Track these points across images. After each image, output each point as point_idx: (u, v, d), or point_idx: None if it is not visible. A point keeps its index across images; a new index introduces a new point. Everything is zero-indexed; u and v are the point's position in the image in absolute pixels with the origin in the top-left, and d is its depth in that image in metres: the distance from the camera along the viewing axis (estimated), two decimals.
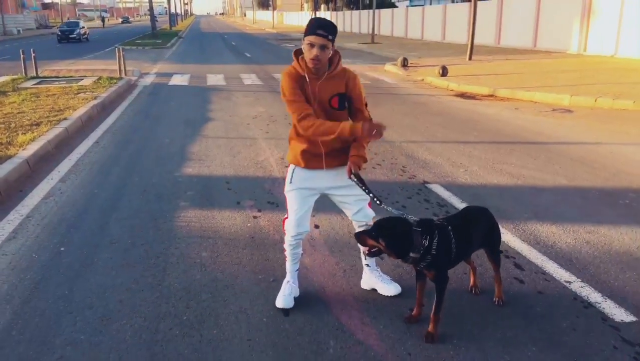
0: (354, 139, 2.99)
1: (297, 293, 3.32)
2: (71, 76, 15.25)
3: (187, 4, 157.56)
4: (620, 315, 3.18)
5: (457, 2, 41.45)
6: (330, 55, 2.88)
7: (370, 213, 3.22)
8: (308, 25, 2.87)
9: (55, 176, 6.03)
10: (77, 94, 11.50)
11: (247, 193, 5.37)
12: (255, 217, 4.75)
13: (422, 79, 15.49)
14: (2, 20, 50.05)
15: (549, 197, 5.32)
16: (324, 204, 3.63)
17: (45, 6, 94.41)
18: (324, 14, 64.84)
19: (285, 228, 3.20)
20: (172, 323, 3.10)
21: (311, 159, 3.07)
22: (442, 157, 6.79)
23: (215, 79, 15.70)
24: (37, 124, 8.13)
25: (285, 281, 3.35)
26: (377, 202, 2.97)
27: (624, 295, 3.40)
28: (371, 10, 34.73)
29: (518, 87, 12.66)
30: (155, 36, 41.63)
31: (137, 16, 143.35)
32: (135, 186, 5.72)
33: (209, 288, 3.50)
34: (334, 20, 57.93)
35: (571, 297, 3.40)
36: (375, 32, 39.57)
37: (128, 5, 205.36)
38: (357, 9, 56.35)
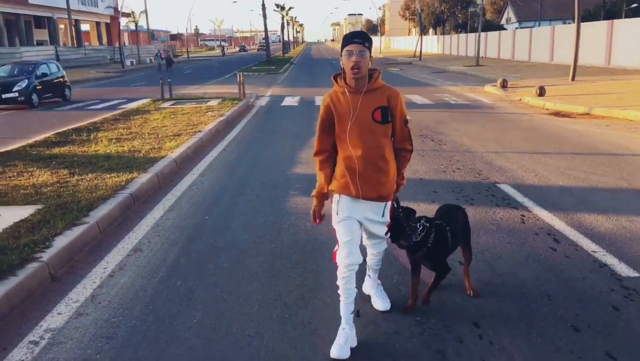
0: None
1: (354, 342, 3.13)
2: (200, 98, 17.60)
3: (299, 32, 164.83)
4: (627, 272, 4.04)
5: (568, 22, 40.58)
6: (369, 65, 2.94)
7: (384, 246, 3.42)
8: (343, 40, 2.97)
9: (195, 172, 7.71)
10: (206, 112, 13.54)
11: None
12: None
13: (520, 99, 16.03)
14: (138, 51, 56.16)
15: (604, 195, 6.07)
16: None
17: (173, 37, 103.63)
18: (431, 38, 65.56)
19: (337, 260, 3.13)
20: (285, 261, 4.42)
21: (361, 186, 3.05)
22: (517, 165, 7.65)
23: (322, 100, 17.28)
24: (178, 135, 10.03)
25: (340, 328, 3.13)
26: (401, 213, 3.34)
27: (638, 261, 4.22)
28: (480, 33, 35.15)
29: (615, 106, 12.93)
30: (270, 63, 44.87)
31: (252, 45, 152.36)
32: (256, 180, 7.22)
33: (311, 244, 4.79)
34: (441, 45, 58.51)
35: (591, 260, 4.29)
36: (482, 54, 39.82)
37: (244, 34, 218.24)
38: (465, 32, 56.54)
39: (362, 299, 3.62)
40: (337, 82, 3.06)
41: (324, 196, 3.19)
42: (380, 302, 3.56)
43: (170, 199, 6.30)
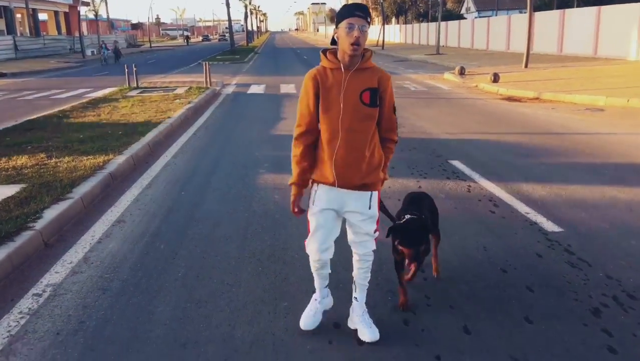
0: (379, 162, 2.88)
1: (330, 304, 3.27)
2: (166, 87, 17.83)
3: (262, 21, 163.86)
4: (553, 228, 4.71)
5: (524, 11, 41.88)
6: (366, 41, 2.67)
7: (372, 246, 3.02)
8: (343, 11, 2.67)
9: (168, 154, 8.12)
10: (174, 100, 13.85)
11: None
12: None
13: (476, 86, 16.82)
14: (98, 41, 55.21)
15: (543, 168, 6.77)
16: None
17: (134, 27, 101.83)
18: (394, 27, 66.43)
19: (307, 250, 3.00)
20: (257, 227, 4.94)
21: (340, 173, 2.79)
22: (469, 144, 8.32)
23: (287, 87, 17.75)
24: (148, 121, 10.36)
25: (313, 298, 3.21)
26: (394, 222, 3.32)
27: (565, 220, 4.89)
28: (439, 22, 36.04)
29: (562, 91, 13.80)
30: (234, 52, 44.90)
31: (215, 34, 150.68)
32: (227, 160, 7.69)
33: (280, 212, 5.31)
34: (403, 34, 59.40)
35: (524, 220, 4.95)
36: (443, 43, 40.82)
37: (207, 24, 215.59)
38: (427, 21, 57.57)
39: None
40: (326, 57, 2.79)
41: (304, 184, 2.90)
42: (367, 331, 3.06)
43: (146, 178, 6.72)
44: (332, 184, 2.82)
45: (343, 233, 3.06)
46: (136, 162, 7.42)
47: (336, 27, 2.72)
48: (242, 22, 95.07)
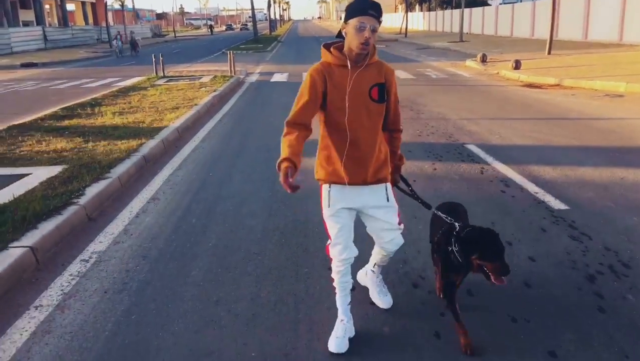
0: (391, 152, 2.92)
1: (352, 333, 2.97)
2: (192, 75, 18.31)
3: (285, 9, 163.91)
4: (559, 206, 4.98)
5: None
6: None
7: (401, 241, 2.99)
8: (353, 6, 2.59)
9: (196, 139, 8.54)
10: (200, 88, 14.29)
11: None
12: None
13: (497, 73, 16.90)
14: (125, 31, 56.16)
15: (555, 151, 7.00)
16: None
17: (159, 16, 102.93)
18: (417, 14, 65.99)
19: (330, 254, 2.90)
20: (280, 205, 5.31)
21: (352, 171, 2.78)
22: (485, 129, 8.55)
23: None
24: (177, 108, 10.81)
25: (338, 320, 2.98)
26: (426, 208, 3.04)
27: (572, 199, 5.16)
28: (463, 9, 35.83)
29: (583, 77, 13.84)
30: (257, 41, 45.29)
31: (238, 23, 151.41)
32: (251, 145, 8.07)
33: (301, 192, 5.62)
34: (426, 21, 59.01)
35: (532, 199, 5.23)
36: (466, 30, 40.58)
37: (230, 13, 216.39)
38: (451, 8, 57.09)
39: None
40: (331, 53, 2.71)
41: (295, 164, 2.65)
42: (381, 300, 3.26)
43: (176, 161, 7.15)
44: (345, 183, 2.78)
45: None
46: (166, 146, 7.86)
47: (345, 21, 2.61)
48: (265, 11, 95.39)
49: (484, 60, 19.67)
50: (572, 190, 5.43)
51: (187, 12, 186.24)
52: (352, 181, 2.78)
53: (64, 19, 56.07)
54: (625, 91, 11.99)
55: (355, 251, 2.88)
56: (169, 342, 3.03)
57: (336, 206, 2.82)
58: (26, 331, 3.18)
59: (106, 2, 51.79)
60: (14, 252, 3.91)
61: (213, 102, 12.20)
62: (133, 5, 76.55)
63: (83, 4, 64.16)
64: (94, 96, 13.48)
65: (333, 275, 2.94)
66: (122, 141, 7.65)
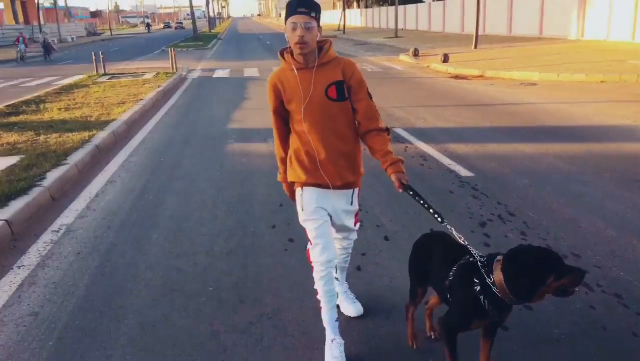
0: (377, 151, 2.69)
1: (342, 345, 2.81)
2: (134, 73, 18.51)
3: (224, 7, 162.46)
4: (466, 173, 5.89)
5: None
6: (317, 37, 2.55)
7: (354, 236, 3.06)
8: (287, 8, 2.55)
9: (144, 130, 9.04)
10: (144, 84, 14.63)
11: (271, 135, 8.19)
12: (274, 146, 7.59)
13: (428, 66, 18.04)
14: (58, 29, 54.63)
15: (470, 132, 7.97)
16: None
17: (93, 14, 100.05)
18: (355, 11, 67.39)
19: (311, 258, 2.79)
20: (227, 182, 5.97)
21: (320, 174, 2.71)
22: (412, 115, 9.47)
23: (251, 71, 18.65)
24: (123, 103, 11.21)
25: (328, 340, 2.79)
26: (439, 219, 2.62)
27: (477, 168, 6.07)
28: (397, 6, 37.18)
29: (504, 68, 15.11)
30: (197, 38, 45.21)
31: (175, 20, 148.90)
32: (198, 134, 8.66)
33: (247, 172, 6.34)
34: (364, 18, 60.41)
35: (445, 169, 6.11)
36: (402, 26, 42.09)
37: (167, 11, 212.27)
38: (388, 5, 58.71)
39: None
40: (283, 58, 2.66)
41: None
42: (351, 307, 3.18)
43: (128, 150, 7.66)
44: (314, 185, 2.74)
45: None
46: (117, 137, 8.33)
47: (285, 22, 2.58)
48: (204, 9, 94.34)
49: (416, 54, 20.84)
50: (479, 161, 6.36)
51: (123, 10, 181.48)
52: (320, 183, 2.72)
53: None
54: (538, 80, 13.28)
55: (335, 253, 2.79)
56: (140, 285, 3.66)
57: (310, 207, 2.74)
58: (14, 283, 3.73)
59: (38, 0, 50.10)
60: None
61: (158, 97, 12.63)
62: (65, 3, 74.27)
63: (12, 1, 61.80)
64: (37, 93, 13.59)
65: (316, 285, 2.79)
66: (73, 133, 8.07)
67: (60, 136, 7.92)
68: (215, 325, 3.13)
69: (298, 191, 2.81)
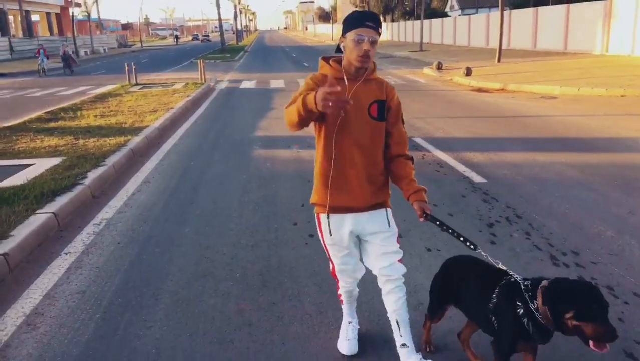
0: (400, 179, 2.64)
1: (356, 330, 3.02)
2: (164, 83, 19.22)
3: (251, 20, 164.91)
4: (479, 180, 6.19)
5: (505, 9, 43.47)
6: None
7: (403, 268, 2.71)
8: (350, 19, 2.46)
9: (175, 137, 9.54)
10: (174, 94, 15.24)
11: (295, 142, 8.60)
12: (298, 152, 7.97)
13: (451, 79, 18.33)
14: (91, 41, 56.38)
15: (487, 142, 8.26)
16: None
17: (124, 27, 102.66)
18: (382, 25, 67.93)
19: (337, 276, 2.83)
20: (253, 184, 6.37)
21: (350, 196, 2.59)
22: (432, 125, 9.79)
23: (277, 83, 19.18)
24: (155, 111, 11.76)
25: (345, 322, 3.02)
26: (471, 247, 2.54)
27: (490, 175, 6.37)
28: (422, 21, 37.57)
29: (526, 82, 15.32)
30: (225, 51, 46.22)
31: (204, 32, 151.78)
32: (225, 140, 9.12)
33: (270, 175, 6.74)
34: (390, 31, 60.87)
35: (460, 176, 6.42)
36: (427, 40, 42.40)
37: (196, 23, 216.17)
38: (413, 19, 59.15)
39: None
40: (330, 65, 2.57)
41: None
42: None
43: (160, 154, 8.14)
44: (342, 211, 2.61)
45: None
46: (150, 142, 8.84)
47: (343, 34, 2.48)
48: (232, 21, 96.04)
49: (439, 67, 21.14)
50: (492, 169, 6.66)
51: (152, 22, 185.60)
52: (349, 204, 2.60)
53: (29, 29, 55.89)
54: (559, 94, 13.47)
55: (362, 271, 2.80)
56: (174, 270, 4.07)
57: (337, 233, 2.63)
58: (62, 267, 4.16)
59: (72, 12, 51.82)
60: (40, 217, 4.87)
61: (187, 106, 13.18)
62: (98, 16, 76.51)
63: (48, 14, 63.96)
64: (73, 102, 14.29)
65: (340, 291, 2.93)
66: (110, 138, 8.60)
67: (97, 141, 8.45)
68: (241, 305, 3.51)
69: (323, 216, 2.65)
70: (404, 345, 2.69)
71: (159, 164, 7.51)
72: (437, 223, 2.57)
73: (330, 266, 2.82)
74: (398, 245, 2.72)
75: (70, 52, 30.02)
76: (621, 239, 4.36)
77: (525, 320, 2.20)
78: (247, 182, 6.47)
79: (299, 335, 3.14)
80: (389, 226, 2.70)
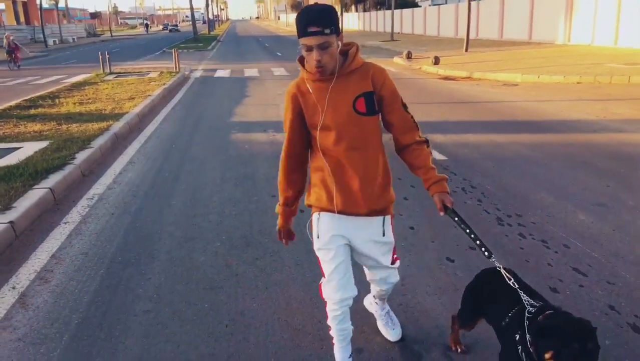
0: (417, 166, 2.42)
1: None
2: (139, 72, 19.40)
3: (222, 9, 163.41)
4: (441, 157, 6.78)
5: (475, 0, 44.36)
6: (339, 47, 2.22)
7: (395, 279, 2.64)
8: (297, 23, 2.15)
9: (155, 122, 9.93)
10: (150, 82, 15.52)
11: (270, 127, 9.08)
12: (274, 135, 8.45)
13: (420, 68, 18.96)
14: (60, 30, 55.53)
15: (451, 125, 8.88)
16: None
17: (93, 16, 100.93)
18: (353, 15, 68.44)
19: (324, 295, 2.50)
20: (233, 163, 6.85)
21: (344, 199, 2.37)
22: None
23: (250, 72, 19.55)
24: (133, 98, 12.09)
25: None
26: (486, 253, 2.28)
27: (451, 153, 6.97)
28: (394, 10, 38.18)
29: (490, 70, 16.04)
30: (197, 40, 46.14)
31: (174, 22, 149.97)
32: (204, 126, 9.55)
33: (249, 155, 7.22)
34: (362, 21, 61.40)
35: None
36: (398, 30, 43.09)
37: (167, 12, 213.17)
38: (385, 9, 59.76)
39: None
40: (304, 67, 2.29)
41: (291, 213, 2.58)
42: (389, 332, 2.90)
43: (142, 138, 8.54)
44: (337, 211, 2.39)
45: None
46: (131, 127, 9.22)
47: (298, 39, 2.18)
48: (203, 11, 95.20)
49: (409, 57, 21.78)
50: (453, 148, 7.26)
51: (122, 11, 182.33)
52: (343, 210, 2.38)
53: None
54: (520, 81, 14.20)
55: (353, 291, 2.45)
56: (166, 235, 4.55)
57: (326, 235, 2.40)
58: (63, 234, 4.61)
59: (40, 1, 50.88)
60: (38, 192, 5.29)
61: (164, 94, 13.51)
62: (66, 4, 75.18)
63: (14, 3, 62.64)
64: (50, 90, 14.46)
65: (329, 321, 2.52)
66: (92, 124, 8.95)
67: (80, 126, 8.80)
68: (228, 260, 4.02)
69: (315, 215, 2.47)
70: (376, 302, 2.91)
71: (142, 147, 7.92)
72: (456, 219, 2.30)
73: (321, 279, 2.54)
74: (393, 257, 2.54)
75: (17, 43, 25.43)
76: (559, 204, 4.99)
77: (520, 347, 2.07)
78: (227, 161, 6.95)
79: (279, 282, 3.67)
80: (383, 235, 2.46)
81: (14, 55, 24.57)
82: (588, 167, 6.11)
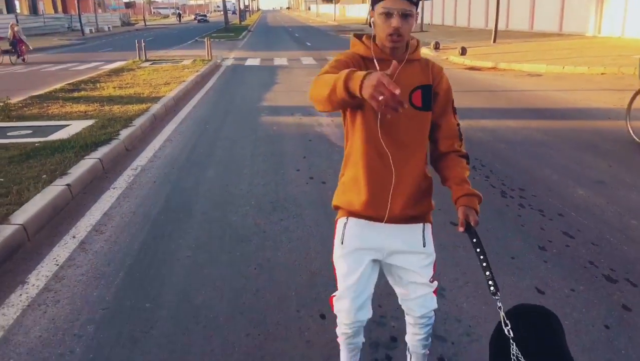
0: (446, 177, 2.12)
1: None
2: (173, 59, 20.14)
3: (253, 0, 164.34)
4: None
5: None
6: (413, 26, 1.96)
7: (433, 303, 2.18)
8: None
9: (189, 106, 10.55)
10: (183, 69, 16.20)
11: (298, 111, 9.60)
12: (300, 118, 8.98)
13: (447, 58, 19.23)
14: (96, 19, 57.02)
15: (470, 111, 9.25)
16: None
17: (127, 5, 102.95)
18: None
19: (335, 309, 2.19)
20: (262, 142, 7.40)
21: (380, 203, 2.07)
22: None
23: (280, 61, 20.09)
24: (168, 83, 12.76)
25: None
26: (492, 288, 1.87)
27: (469, 138, 7.33)
28: (425, 1, 38.27)
29: (515, 61, 16.25)
30: (228, 30, 46.92)
31: (206, 12, 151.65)
32: (235, 109, 10.13)
33: (276, 136, 7.76)
34: None
35: None
36: (428, 21, 43.07)
37: (198, 2, 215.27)
38: None
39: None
40: (363, 43, 2.06)
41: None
42: None
43: (177, 120, 9.17)
44: (369, 217, 2.11)
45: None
46: (167, 109, 9.86)
47: (371, 7, 1.99)
48: (234, 1, 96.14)
49: (437, 47, 22.03)
50: (470, 132, 7.67)
51: (155, 1, 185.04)
52: (378, 215, 2.09)
53: (34, 7, 56.56)
54: (545, 71, 14.41)
55: (367, 313, 2.15)
56: (202, 200, 5.13)
57: (352, 245, 2.12)
58: (113, 197, 5.23)
59: None
60: (89, 161, 5.94)
61: (197, 80, 14.16)
62: None
63: None
64: (90, 75, 15.27)
65: (338, 332, 2.28)
66: (132, 105, 9.61)
67: (121, 107, 9.47)
68: (256, 221, 4.57)
69: (342, 219, 2.17)
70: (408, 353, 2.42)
71: (178, 126, 8.54)
72: (474, 240, 1.98)
73: (334, 293, 2.21)
74: (432, 273, 2.15)
75: (22, 35, 22.73)
76: (561, 181, 5.40)
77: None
78: (257, 140, 7.51)
79: (300, 237, 4.21)
80: (424, 246, 2.14)
81: (19, 48, 22.35)
82: (595, 150, 6.47)
